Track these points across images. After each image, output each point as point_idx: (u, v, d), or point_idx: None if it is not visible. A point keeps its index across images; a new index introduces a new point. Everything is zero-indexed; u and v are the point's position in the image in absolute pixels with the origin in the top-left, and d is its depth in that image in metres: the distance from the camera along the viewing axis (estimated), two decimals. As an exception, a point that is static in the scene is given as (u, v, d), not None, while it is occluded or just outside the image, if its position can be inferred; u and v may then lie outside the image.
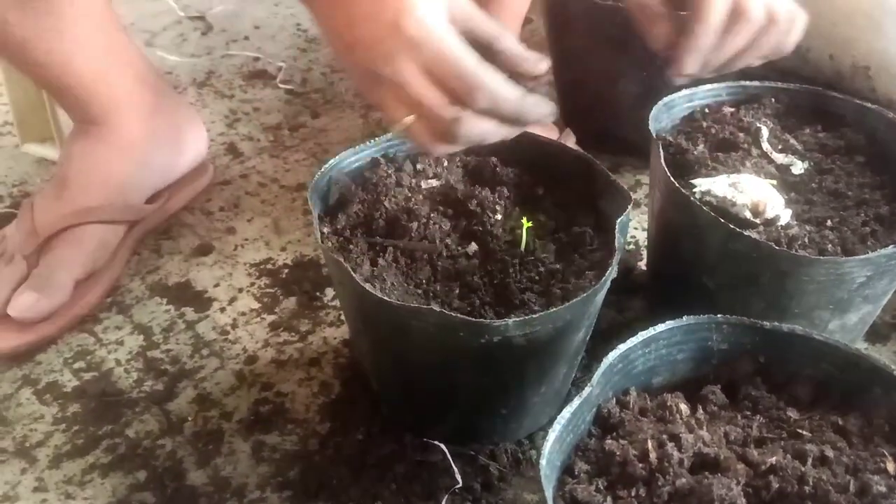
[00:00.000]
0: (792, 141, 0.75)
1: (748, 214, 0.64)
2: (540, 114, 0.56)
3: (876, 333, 0.78)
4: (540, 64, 0.57)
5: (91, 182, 0.84)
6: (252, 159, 1.03)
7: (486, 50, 0.55)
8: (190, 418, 0.71)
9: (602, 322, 0.78)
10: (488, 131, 0.55)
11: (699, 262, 0.66)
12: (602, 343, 0.64)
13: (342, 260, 0.59)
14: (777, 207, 0.65)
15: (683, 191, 0.64)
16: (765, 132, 0.74)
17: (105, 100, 0.84)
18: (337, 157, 0.69)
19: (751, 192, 0.65)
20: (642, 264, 0.86)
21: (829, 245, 0.62)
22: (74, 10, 0.79)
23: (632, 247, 0.89)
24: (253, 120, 1.11)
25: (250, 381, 0.74)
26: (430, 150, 0.57)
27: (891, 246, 0.60)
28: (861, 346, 0.76)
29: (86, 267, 0.81)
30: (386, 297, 0.57)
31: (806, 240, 0.62)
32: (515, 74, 0.56)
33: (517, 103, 0.55)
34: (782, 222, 0.65)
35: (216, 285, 0.84)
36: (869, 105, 0.74)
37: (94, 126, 0.86)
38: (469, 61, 0.53)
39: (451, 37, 0.53)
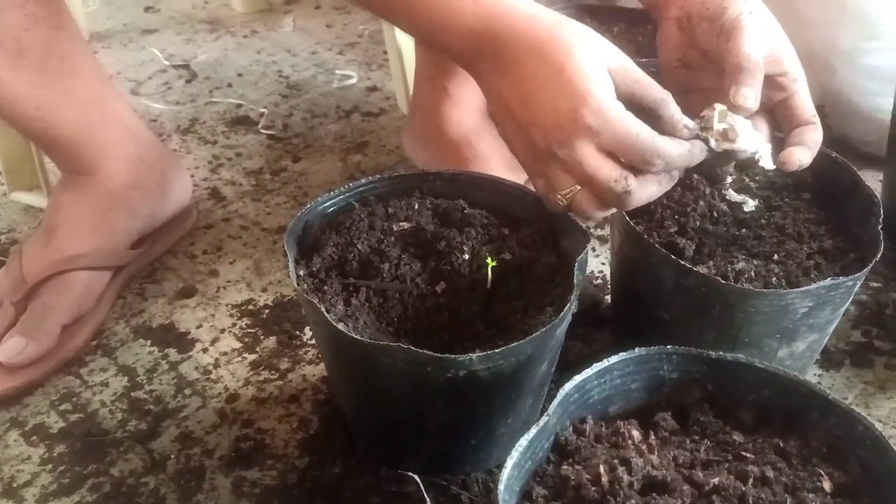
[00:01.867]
0: (747, 180, 0.79)
1: (713, 142, 0.63)
2: (701, 157, 0.62)
3: (829, 360, 0.82)
4: (691, 126, 0.61)
5: (78, 230, 0.88)
6: (234, 203, 1.07)
7: (648, 112, 0.59)
8: (172, 456, 0.73)
9: (570, 354, 0.82)
10: (655, 193, 0.61)
11: (655, 296, 0.70)
12: (570, 374, 0.67)
13: (316, 301, 0.63)
14: (754, 143, 0.65)
15: (637, 229, 0.68)
16: (729, 178, 0.78)
17: (92, 151, 0.88)
18: (312, 201, 0.72)
19: (726, 123, 0.65)
20: (608, 298, 0.90)
21: (774, 278, 0.66)
22: (64, 67, 0.83)
23: (599, 281, 0.93)
24: (235, 165, 1.15)
25: (231, 418, 0.77)
26: (592, 216, 0.63)
27: (829, 278, 0.64)
28: (815, 372, 0.80)
29: (72, 312, 0.84)
30: (357, 336, 0.60)
31: (752, 273, 0.66)
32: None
33: (688, 158, 0.60)
34: (764, 163, 0.65)
35: (199, 326, 0.87)
36: (813, 145, 0.78)
37: (81, 176, 0.90)
38: (645, 138, 0.58)
39: (628, 119, 0.57)
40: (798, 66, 0.66)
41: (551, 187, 0.62)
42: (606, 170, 0.58)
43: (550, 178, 0.61)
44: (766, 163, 0.65)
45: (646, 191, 0.60)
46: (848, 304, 0.70)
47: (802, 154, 0.65)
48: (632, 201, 0.60)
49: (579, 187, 0.60)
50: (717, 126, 0.63)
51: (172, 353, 0.84)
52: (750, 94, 0.62)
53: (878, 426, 0.74)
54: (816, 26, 1.11)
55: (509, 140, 0.63)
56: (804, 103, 0.67)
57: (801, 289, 0.63)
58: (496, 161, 0.97)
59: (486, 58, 0.61)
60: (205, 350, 0.84)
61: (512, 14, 0.60)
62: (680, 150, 0.59)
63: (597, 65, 0.58)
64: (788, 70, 0.65)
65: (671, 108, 0.60)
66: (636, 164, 0.58)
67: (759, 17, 0.65)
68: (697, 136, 0.62)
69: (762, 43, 0.64)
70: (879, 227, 0.69)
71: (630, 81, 0.59)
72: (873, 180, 1.06)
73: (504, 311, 0.67)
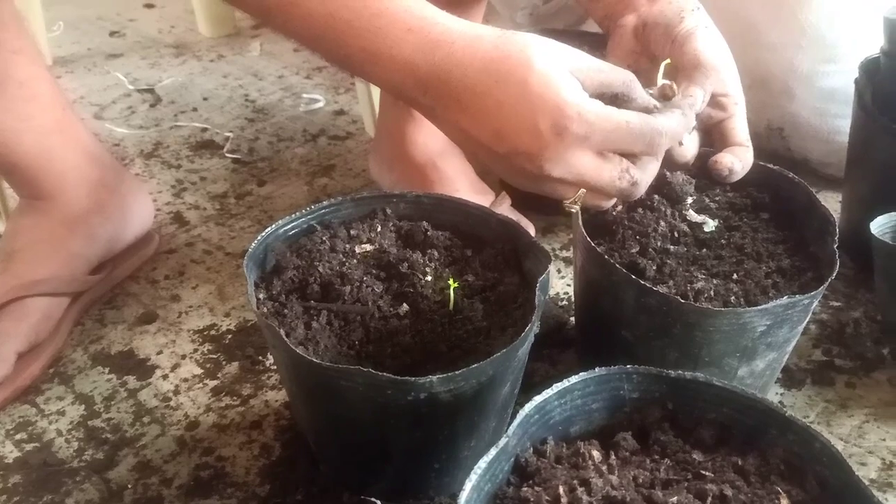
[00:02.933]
0: (707, 201, 0.80)
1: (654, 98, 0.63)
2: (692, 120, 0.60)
3: (791, 379, 0.82)
4: (668, 91, 0.60)
5: (37, 256, 0.86)
6: (198, 227, 1.06)
7: (618, 98, 0.57)
8: (130, 486, 0.72)
9: (535, 375, 0.82)
10: (655, 169, 0.59)
11: (618, 317, 0.70)
12: (535, 396, 0.67)
13: (276, 324, 0.62)
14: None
15: (598, 250, 0.68)
16: (689, 199, 0.79)
17: (51, 177, 0.87)
18: (273, 225, 0.72)
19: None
20: (574, 319, 0.90)
21: (733, 297, 0.66)
22: (23, 93, 0.82)
23: (564, 303, 0.93)
24: (200, 189, 1.14)
25: (191, 446, 0.75)
26: (604, 207, 0.61)
27: (786, 297, 0.64)
28: (776, 391, 0.81)
29: (29, 339, 0.82)
30: (316, 360, 0.60)
31: (712, 293, 0.66)
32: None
33: (686, 123, 0.58)
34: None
35: (159, 353, 0.86)
36: (771, 166, 0.79)
37: (40, 201, 0.88)
38: (639, 124, 0.56)
39: (612, 113, 0.55)
40: (740, 91, 0.67)
41: (556, 201, 0.60)
42: (607, 172, 0.56)
43: (553, 194, 0.59)
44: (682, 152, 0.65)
45: (648, 172, 0.59)
46: (806, 322, 0.71)
47: (734, 163, 0.66)
48: (640, 190, 0.59)
49: (584, 191, 0.58)
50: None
51: (131, 381, 0.82)
52: (699, 94, 0.62)
53: (840, 444, 0.75)
54: (776, 50, 1.13)
55: (491, 168, 0.60)
56: (740, 126, 0.68)
57: (759, 307, 0.64)
58: (461, 183, 0.98)
59: (433, 93, 0.56)
60: (165, 377, 0.83)
61: (449, 40, 0.56)
62: (678, 119, 0.58)
63: (559, 68, 0.55)
64: (731, 92, 0.66)
65: (639, 86, 0.58)
66: (637, 153, 0.57)
67: (712, 32, 0.66)
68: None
69: (714, 54, 0.64)
70: (835, 245, 0.70)
71: (594, 74, 0.56)
72: (833, 201, 1.08)
73: (467, 332, 0.66)
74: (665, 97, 0.62)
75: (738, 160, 0.66)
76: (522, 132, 0.54)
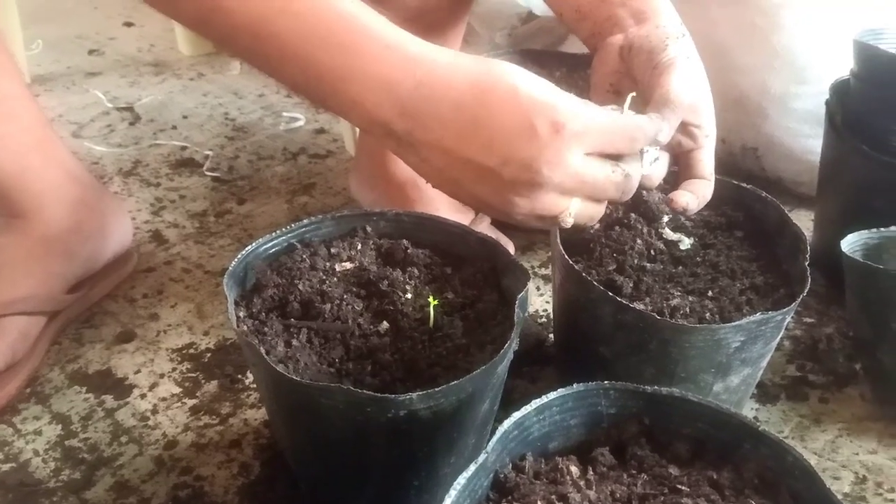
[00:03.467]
0: (682, 219, 0.81)
1: None
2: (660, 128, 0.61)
3: (766, 395, 0.84)
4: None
5: (13, 274, 0.86)
6: (177, 246, 1.06)
7: None
8: (107, 506, 0.71)
9: (515, 392, 0.82)
10: (639, 169, 0.60)
11: (595, 333, 0.71)
12: (514, 412, 0.68)
13: (256, 342, 0.62)
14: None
15: (576, 267, 0.69)
16: (666, 217, 0.80)
17: (29, 195, 0.87)
18: (254, 243, 0.72)
19: None
20: (553, 336, 0.91)
21: (708, 314, 0.67)
22: (2, 111, 0.82)
23: (543, 320, 0.94)
24: (179, 207, 1.14)
25: (169, 465, 0.75)
26: (597, 219, 0.60)
27: (759, 313, 0.66)
28: (751, 406, 0.82)
29: (5, 358, 0.81)
30: (296, 377, 0.60)
31: (687, 309, 0.68)
32: None
33: (657, 127, 0.59)
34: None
35: (137, 372, 0.85)
36: (745, 185, 0.81)
37: (18, 219, 0.88)
38: (624, 119, 0.57)
39: (601, 109, 0.56)
40: (713, 124, 0.68)
41: (549, 219, 0.58)
42: (601, 170, 0.56)
43: (544, 211, 0.57)
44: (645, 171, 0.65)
45: (635, 169, 0.59)
46: (779, 338, 0.72)
47: (690, 200, 0.66)
48: (633, 184, 0.59)
49: (578, 201, 0.57)
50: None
51: (109, 400, 0.82)
52: (665, 128, 0.62)
53: (814, 459, 0.76)
54: (749, 72, 1.15)
55: (473, 199, 0.58)
56: (707, 159, 0.68)
57: (733, 323, 0.65)
58: (441, 202, 0.98)
59: (412, 112, 0.54)
60: (143, 396, 0.82)
61: (431, 57, 0.55)
62: (647, 122, 0.59)
63: (542, 80, 0.56)
64: (703, 124, 0.67)
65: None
66: (622, 150, 0.57)
67: (693, 64, 0.67)
68: None
69: (690, 89, 0.65)
70: (807, 263, 0.71)
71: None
72: (806, 219, 1.10)
73: (447, 349, 0.67)
74: None
75: (694, 197, 0.67)
76: (518, 136, 0.53)
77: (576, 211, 0.58)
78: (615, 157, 0.58)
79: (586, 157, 0.56)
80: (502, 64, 0.56)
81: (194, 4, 0.56)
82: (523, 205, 0.56)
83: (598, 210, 0.60)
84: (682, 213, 0.67)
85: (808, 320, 0.94)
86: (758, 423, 0.54)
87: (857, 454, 0.78)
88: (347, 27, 0.55)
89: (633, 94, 0.63)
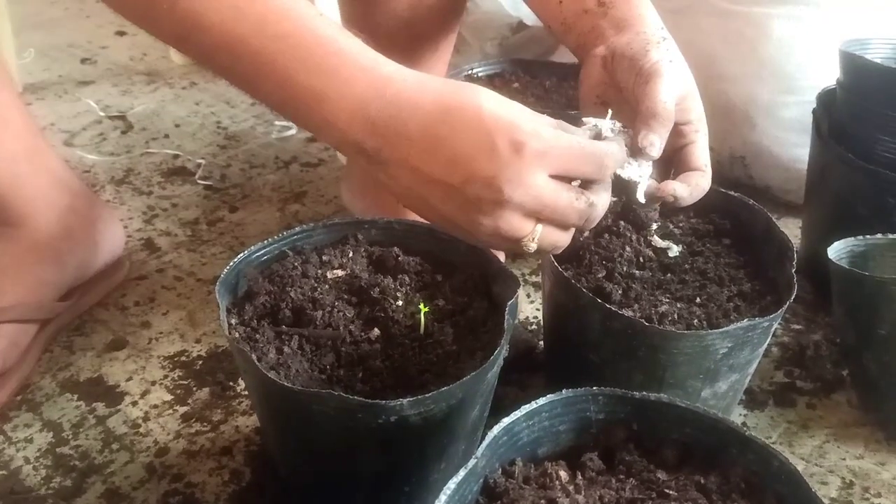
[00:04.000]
0: (671, 227, 0.82)
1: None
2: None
3: (754, 400, 0.84)
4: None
5: (4, 282, 0.86)
6: (169, 254, 1.06)
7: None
8: (98, 513, 0.71)
9: (505, 399, 0.82)
10: (607, 200, 0.60)
11: (585, 340, 0.71)
12: (504, 418, 0.68)
13: (247, 349, 0.63)
14: (636, 172, 0.66)
15: (566, 274, 0.70)
16: (654, 225, 0.81)
17: (20, 203, 0.87)
18: (246, 251, 0.72)
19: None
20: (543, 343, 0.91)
21: (696, 320, 0.68)
22: (-9, 119, 0.82)
23: (534, 327, 0.94)
24: (171, 215, 1.14)
25: (160, 473, 0.75)
26: (561, 247, 0.60)
27: (746, 320, 0.66)
28: (740, 412, 0.83)
29: (-4, 366, 0.81)
30: (288, 384, 0.60)
31: (675, 316, 0.68)
32: None
33: (622, 155, 0.60)
34: (637, 195, 0.65)
35: (129, 379, 0.85)
36: (732, 193, 0.82)
37: (8, 227, 0.88)
38: (591, 144, 0.57)
39: (562, 133, 0.56)
40: (703, 119, 0.69)
41: (513, 241, 0.57)
42: (565, 194, 0.56)
43: (508, 231, 0.56)
44: (640, 195, 0.66)
45: (602, 198, 0.59)
46: (766, 344, 0.73)
47: (680, 189, 0.66)
48: (598, 213, 0.58)
49: (541, 226, 0.57)
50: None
51: (100, 407, 0.82)
52: (656, 142, 0.63)
53: (801, 464, 0.77)
54: (736, 82, 1.17)
55: (441, 218, 0.58)
56: (700, 152, 0.69)
57: (721, 330, 0.66)
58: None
59: (382, 131, 0.56)
60: (134, 403, 0.83)
61: (401, 77, 0.56)
62: (616, 148, 0.59)
63: (508, 101, 0.56)
64: (693, 120, 0.68)
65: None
66: (588, 175, 0.57)
67: (677, 66, 0.67)
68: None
69: (676, 91, 0.66)
70: (793, 270, 0.72)
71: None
72: (794, 227, 1.11)
73: (437, 356, 0.67)
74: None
75: (685, 187, 0.66)
76: (479, 154, 0.54)
77: (539, 236, 0.57)
78: (586, 184, 0.58)
79: (550, 179, 0.56)
80: (471, 86, 0.57)
81: (174, 22, 0.57)
82: (487, 224, 0.56)
83: (563, 237, 0.59)
84: (674, 204, 0.67)
85: (796, 327, 0.95)
86: (745, 429, 0.55)
87: (844, 459, 0.79)
88: (325, 50, 0.56)
89: (610, 111, 0.64)
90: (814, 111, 1.00)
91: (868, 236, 0.84)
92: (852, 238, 0.83)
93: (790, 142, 1.15)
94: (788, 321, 0.95)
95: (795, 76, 1.13)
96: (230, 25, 0.56)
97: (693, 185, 0.67)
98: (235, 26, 0.56)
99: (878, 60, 0.95)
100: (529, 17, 1.38)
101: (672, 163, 0.70)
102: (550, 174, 0.56)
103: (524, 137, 0.54)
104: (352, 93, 0.56)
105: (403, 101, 0.56)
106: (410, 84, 0.56)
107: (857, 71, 0.93)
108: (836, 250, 0.82)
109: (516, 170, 0.54)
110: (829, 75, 0.99)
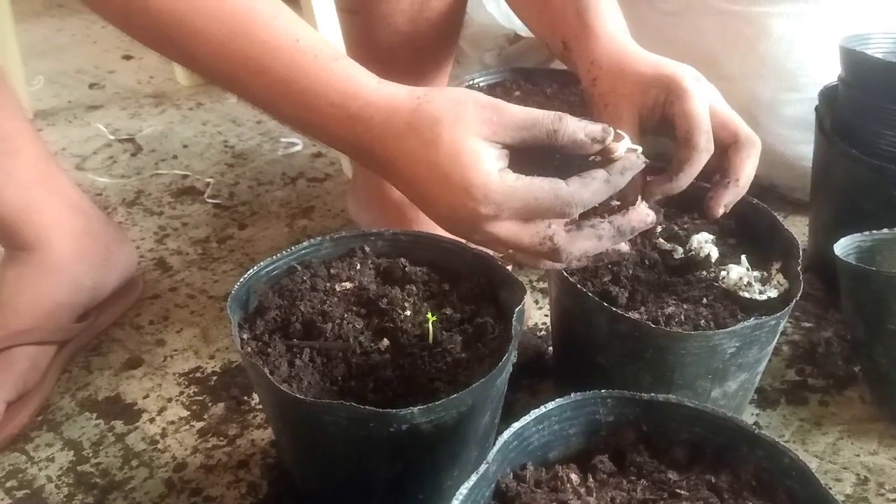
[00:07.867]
0: (676, 229, 0.83)
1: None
2: (627, 177, 0.58)
3: (766, 399, 0.84)
4: (603, 134, 0.56)
5: (22, 306, 0.87)
6: (181, 272, 1.07)
7: (548, 147, 0.56)
8: (119, 530, 0.72)
9: (516, 406, 0.83)
10: (592, 247, 0.59)
11: (592, 343, 0.72)
12: (514, 423, 0.69)
13: (260, 363, 0.64)
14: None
15: (571, 279, 0.71)
16: (659, 228, 0.81)
17: (35, 228, 0.88)
18: (255, 266, 0.73)
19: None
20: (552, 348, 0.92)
21: (703, 321, 0.69)
22: (5, 147, 0.84)
23: (542, 333, 0.95)
24: (182, 235, 1.15)
25: (179, 487, 0.76)
26: (540, 267, 0.61)
27: (753, 318, 0.67)
28: (752, 411, 0.83)
29: (17, 388, 0.83)
30: (300, 396, 0.61)
31: (682, 317, 0.69)
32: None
33: (606, 190, 0.57)
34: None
35: (145, 397, 0.87)
36: (735, 192, 0.82)
37: (24, 252, 0.90)
38: (546, 198, 0.55)
39: (519, 189, 0.55)
40: (747, 129, 0.71)
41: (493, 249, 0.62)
42: (526, 237, 0.57)
43: (486, 247, 0.61)
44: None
45: (578, 245, 0.58)
46: (775, 342, 0.73)
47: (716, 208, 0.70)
48: (564, 257, 0.58)
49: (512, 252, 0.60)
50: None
51: (119, 425, 0.83)
52: (685, 183, 0.66)
53: (815, 461, 0.77)
54: (737, 81, 1.17)
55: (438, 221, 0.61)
56: (742, 162, 0.70)
57: (727, 329, 0.66)
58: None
59: (365, 161, 0.61)
60: (151, 420, 0.84)
61: (367, 115, 0.58)
62: (592, 189, 0.56)
63: (467, 143, 0.55)
64: (739, 134, 0.70)
65: (566, 131, 0.56)
66: (551, 218, 0.57)
67: (702, 87, 0.68)
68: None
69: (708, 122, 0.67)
70: (799, 268, 0.72)
71: (514, 133, 0.56)
72: (801, 224, 1.11)
73: (446, 364, 0.68)
74: (607, 155, 0.58)
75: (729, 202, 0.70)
76: (439, 204, 0.57)
77: (513, 256, 0.60)
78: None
79: (513, 222, 0.56)
80: (434, 124, 0.56)
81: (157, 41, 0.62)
82: (475, 238, 0.59)
83: (539, 261, 0.60)
84: (669, 191, 0.68)
85: (807, 324, 0.95)
86: (756, 427, 0.55)
87: (859, 455, 0.79)
88: (300, 85, 0.59)
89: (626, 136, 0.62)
90: (816, 108, 1.00)
91: (874, 231, 0.84)
92: (859, 234, 0.84)
93: (794, 139, 1.15)
94: (799, 319, 0.95)
95: (797, 73, 1.13)
96: (216, 61, 0.60)
97: (678, 161, 0.67)
98: (220, 64, 0.60)
99: (879, 55, 0.96)
100: (523, 28, 1.39)
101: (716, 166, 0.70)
102: (513, 219, 0.56)
103: (473, 204, 0.55)
104: (328, 127, 0.60)
105: (373, 139, 0.58)
106: (376, 123, 0.58)
107: (858, 67, 0.94)
108: (843, 246, 0.82)
109: (471, 226, 0.57)
110: (830, 72, 0.99)
